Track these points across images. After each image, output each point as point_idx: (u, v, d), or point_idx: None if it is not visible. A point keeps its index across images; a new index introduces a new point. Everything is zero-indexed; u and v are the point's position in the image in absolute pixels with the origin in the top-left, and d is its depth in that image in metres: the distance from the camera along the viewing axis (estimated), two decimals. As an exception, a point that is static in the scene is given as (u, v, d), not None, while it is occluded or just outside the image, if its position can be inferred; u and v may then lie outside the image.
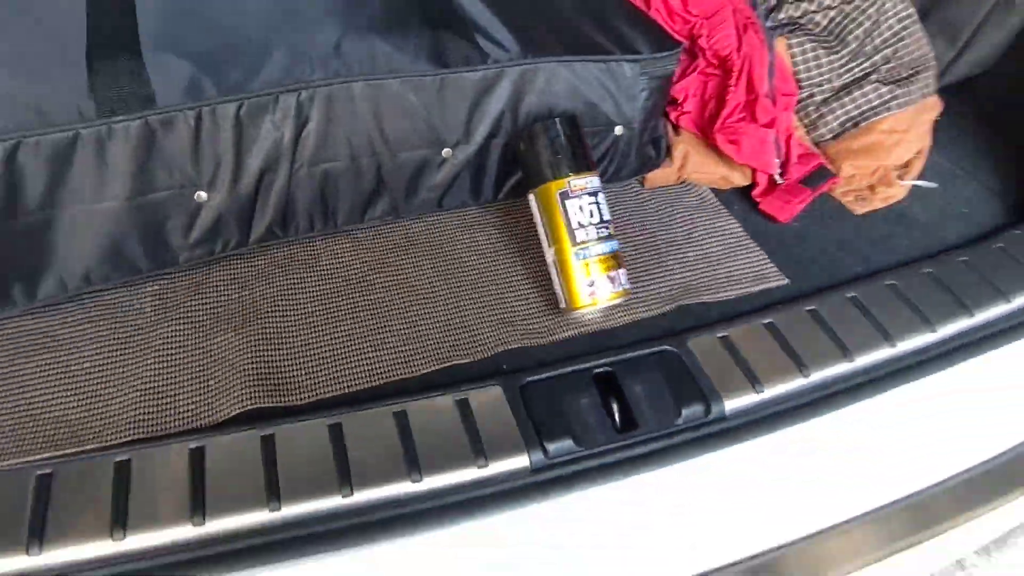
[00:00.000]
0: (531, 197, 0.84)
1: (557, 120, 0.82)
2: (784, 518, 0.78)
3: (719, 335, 0.82)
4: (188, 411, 0.73)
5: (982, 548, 1.32)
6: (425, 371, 0.78)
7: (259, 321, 0.80)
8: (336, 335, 0.81)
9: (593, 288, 0.80)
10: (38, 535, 0.62)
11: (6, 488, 0.64)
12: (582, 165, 0.82)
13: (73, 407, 0.72)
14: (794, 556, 0.78)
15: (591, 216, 0.80)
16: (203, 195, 0.76)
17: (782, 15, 1.13)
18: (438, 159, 0.85)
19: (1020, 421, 0.90)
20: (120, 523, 0.63)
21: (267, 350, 0.78)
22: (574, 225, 0.80)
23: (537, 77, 0.85)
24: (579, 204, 0.80)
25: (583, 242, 0.80)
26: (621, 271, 0.82)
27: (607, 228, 0.81)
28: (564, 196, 0.80)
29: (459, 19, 0.84)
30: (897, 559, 0.83)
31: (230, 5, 0.79)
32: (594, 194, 0.81)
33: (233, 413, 0.72)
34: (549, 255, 0.83)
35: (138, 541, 0.63)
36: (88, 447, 0.69)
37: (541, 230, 0.83)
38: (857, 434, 0.80)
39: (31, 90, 0.67)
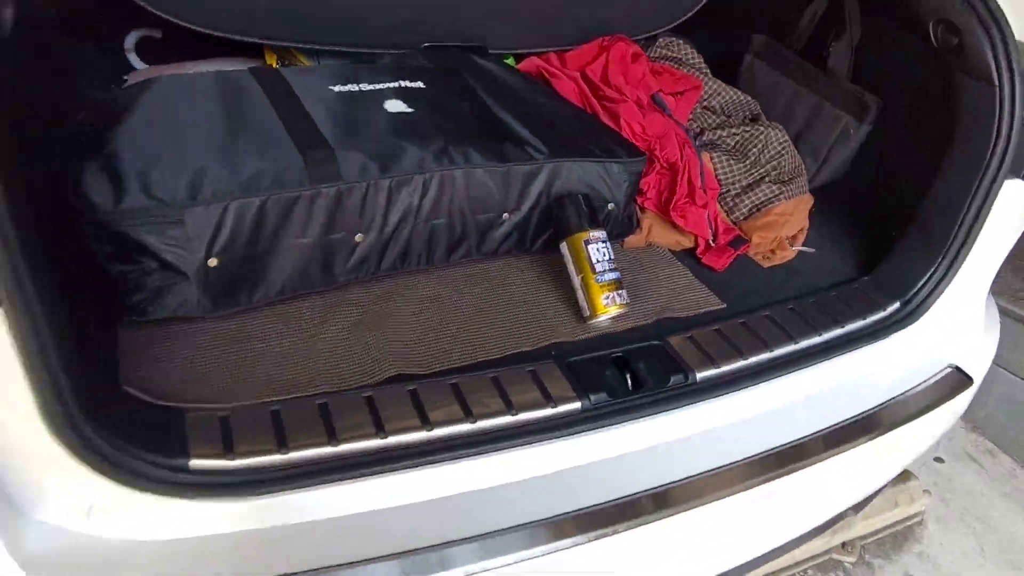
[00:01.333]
0: (563, 245, 1.26)
1: (580, 195, 1.27)
2: (735, 445, 1.20)
3: (687, 335, 1.25)
4: (355, 375, 1.08)
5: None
6: (501, 355, 1.16)
7: (389, 323, 1.18)
8: (439, 333, 1.18)
9: (607, 301, 1.22)
10: (284, 443, 0.94)
11: (255, 416, 0.97)
12: (596, 223, 1.26)
13: (276, 374, 1.06)
14: (740, 469, 1.19)
15: (603, 255, 1.24)
16: (361, 236, 1.14)
17: (705, 138, 1.66)
18: (500, 220, 1.27)
19: (871, 393, 1.36)
20: (332, 436, 0.96)
21: (397, 341, 1.15)
22: (594, 260, 1.22)
23: (562, 170, 1.29)
24: (596, 247, 1.23)
25: (600, 271, 1.23)
26: (623, 291, 1.24)
27: (613, 263, 1.25)
28: (587, 242, 1.23)
29: (514, 135, 1.30)
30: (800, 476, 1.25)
31: (376, 122, 1.22)
32: (604, 241, 1.25)
33: (386, 376, 1.08)
34: (576, 281, 1.24)
35: (346, 447, 0.95)
36: (295, 395, 1.03)
37: (571, 266, 1.25)
38: (775, 396, 1.22)
39: (272, 168, 1.06)
